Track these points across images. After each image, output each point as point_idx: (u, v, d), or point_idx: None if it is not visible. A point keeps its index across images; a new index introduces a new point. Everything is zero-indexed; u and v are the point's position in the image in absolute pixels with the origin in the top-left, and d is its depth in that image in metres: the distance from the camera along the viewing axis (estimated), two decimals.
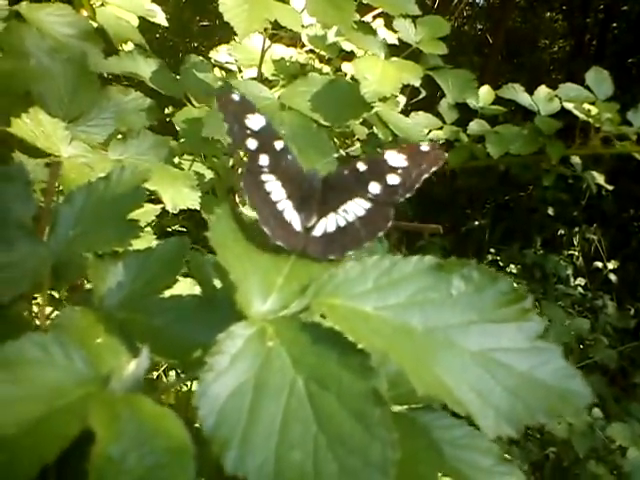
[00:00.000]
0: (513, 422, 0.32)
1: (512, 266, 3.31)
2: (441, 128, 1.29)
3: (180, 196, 0.79)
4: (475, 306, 0.35)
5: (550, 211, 3.57)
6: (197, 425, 0.30)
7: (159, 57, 1.08)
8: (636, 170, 3.18)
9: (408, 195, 0.46)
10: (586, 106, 1.21)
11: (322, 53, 1.19)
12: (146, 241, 0.64)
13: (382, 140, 1.03)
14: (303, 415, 0.30)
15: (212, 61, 1.17)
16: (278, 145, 0.49)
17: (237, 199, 1.08)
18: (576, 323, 2.60)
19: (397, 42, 1.13)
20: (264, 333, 0.34)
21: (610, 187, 1.45)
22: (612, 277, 3.25)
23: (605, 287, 3.19)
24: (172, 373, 0.89)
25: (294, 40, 1.20)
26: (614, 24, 4.90)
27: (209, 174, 1.09)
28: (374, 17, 1.20)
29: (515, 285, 0.36)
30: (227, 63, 1.18)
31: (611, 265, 3.27)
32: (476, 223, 3.76)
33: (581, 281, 3.24)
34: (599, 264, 3.30)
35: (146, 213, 0.74)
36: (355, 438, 0.29)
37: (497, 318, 0.35)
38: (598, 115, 1.19)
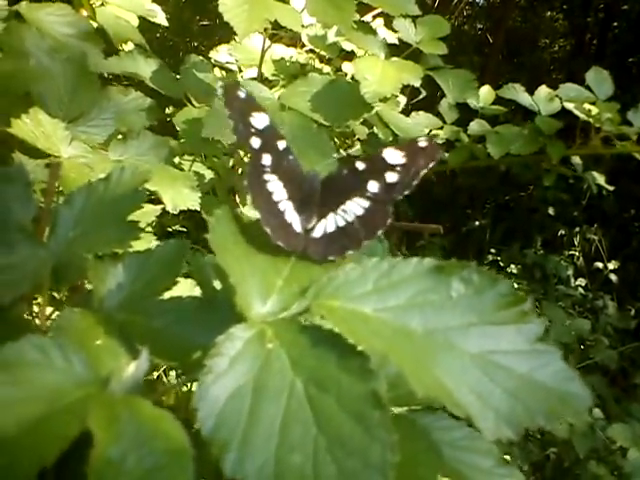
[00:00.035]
0: (513, 424, 0.32)
1: (512, 266, 3.31)
2: (441, 128, 1.29)
3: (180, 197, 0.79)
4: (475, 308, 0.35)
5: (551, 211, 3.57)
6: (197, 427, 0.30)
7: (159, 57, 1.08)
8: (637, 170, 3.17)
9: (406, 192, 0.46)
10: (586, 106, 1.21)
11: (322, 53, 1.19)
12: (146, 242, 0.64)
13: (383, 140, 1.03)
14: (303, 417, 0.30)
15: (212, 61, 1.17)
16: (281, 145, 0.48)
17: (237, 199, 1.08)
18: (577, 323, 2.60)
19: (397, 42, 1.13)
20: (263, 335, 0.34)
21: (611, 187, 1.45)
22: (613, 277, 3.25)
23: (606, 287, 3.18)
24: (172, 373, 0.89)
25: (294, 40, 1.20)
26: (615, 23, 4.90)
27: (209, 174, 1.09)
28: (374, 17, 1.20)
29: (515, 287, 0.36)
30: (227, 63, 1.17)
31: (612, 265, 3.27)
32: (476, 223, 3.76)
33: (582, 281, 3.24)
34: (600, 264, 3.30)
35: (146, 214, 0.74)
36: (355, 440, 0.29)
37: (497, 320, 0.35)
38: (598, 115, 1.19)
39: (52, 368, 0.31)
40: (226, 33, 0.85)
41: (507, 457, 0.54)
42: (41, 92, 0.74)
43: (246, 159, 1.06)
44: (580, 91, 1.22)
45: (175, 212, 0.79)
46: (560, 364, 0.34)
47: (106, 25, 1.00)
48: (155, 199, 0.79)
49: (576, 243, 3.48)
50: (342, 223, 0.45)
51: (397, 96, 1.03)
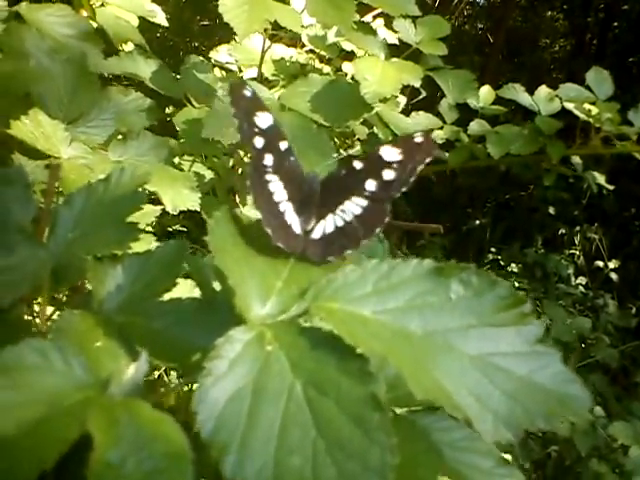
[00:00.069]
0: (512, 426, 0.32)
1: (513, 265, 3.31)
2: (441, 128, 1.29)
3: (180, 197, 0.79)
4: (474, 310, 0.35)
5: (551, 210, 3.57)
6: (196, 429, 0.30)
7: (159, 57, 1.08)
8: (637, 170, 3.17)
9: (404, 189, 0.46)
10: (586, 106, 1.21)
11: (322, 53, 1.19)
12: (146, 243, 0.64)
13: (383, 140, 1.03)
14: (302, 420, 0.30)
15: (212, 61, 1.17)
16: (283, 145, 0.48)
17: (237, 199, 1.08)
18: (577, 322, 2.60)
19: (397, 42, 1.13)
20: (263, 337, 0.34)
21: (611, 187, 1.45)
22: (613, 276, 3.25)
23: (606, 286, 3.18)
24: (174, 373, 0.89)
25: (294, 40, 1.20)
26: (615, 23, 4.89)
27: (209, 174, 1.09)
28: (374, 17, 1.20)
29: (514, 289, 0.36)
30: (227, 63, 1.18)
31: (612, 264, 3.26)
32: (477, 222, 3.76)
33: (582, 280, 3.24)
34: (600, 263, 3.30)
35: (146, 214, 0.74)
36: (354, 443, 0.29)
37: (496, 322, 0.35)
38: (598, 115, 1.19)
39: (52, 371, 0.31)
40: (226, 33, 0.85)
41: (508, 455, 0.54)
42: (41, 93, 0.74)
43: (246, 159, 1.06)
44: (580, 91, 1.22)
45: (175, 213, 0.79)
46: (559, 366, 0.34)
47: (106, 25, 1.00)
48: (155, 199, 0.80)
49: (577, 242, 3.48)
50: (341, 223, 0.45)
51: (397, 96, 1.03)
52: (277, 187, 0.46)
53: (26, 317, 0.51)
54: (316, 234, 0.45)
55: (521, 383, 0.33)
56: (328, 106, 0.87)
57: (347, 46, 1.15)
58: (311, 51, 1.21)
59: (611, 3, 4.84)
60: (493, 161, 1.25)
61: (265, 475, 0.29)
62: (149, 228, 0.86)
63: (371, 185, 0.46)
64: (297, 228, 0.45)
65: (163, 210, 0.81)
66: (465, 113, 1.28)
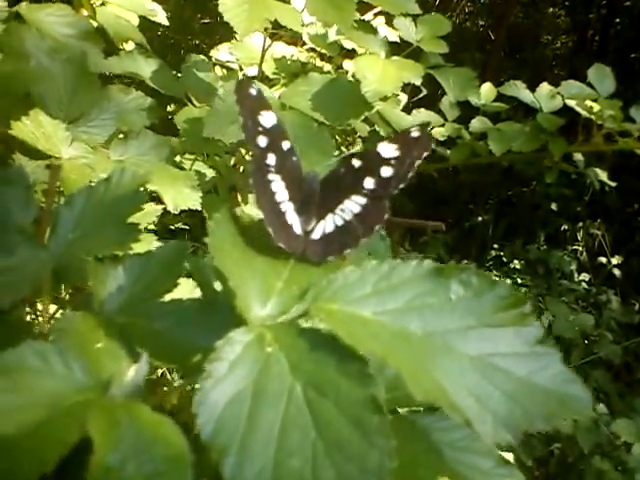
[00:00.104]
0: (511, 427, 0.31)
1: (515, 262, 3.31)
2: (443, 125, 1.29)
3: (181, 196, 0.79)
4: (474, 311, 0.35)
5: (553, 206, 3.56)
6: (196, 431, 0.30)
7: (160, 55, 1.08)
8: (639, 166, 3.16)
9: (402, 186, 0.46)
10: (588, 103, 1.21)
11: (323, 51, 1.19)
12: (147, 242, 0.64)
13: (384, 138, 1.03)
14: (301, 422, 0.30)
15: (213, 60, 1.17)
16: (285, 145, 0.48)
17: (239, 197, 1.09)
18: (580, 318, 2.60)
19: (398, 40, 1.12)
20: (263, 339, 0.34)
21: (613, 184, 1.44)
22: (616, 272, 3.24)
23: (609, 282, 3.18)
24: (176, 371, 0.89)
25: (295, 38, 1.20)
26: (617, 19, 4.87)
27: (210, 173, 1.09)
28: (375, 15, 1.20)
29: (514, 290, 0.36)
30: (228, 62, 1.18)
31: (615, 260, 3.26)
32: (479, 219, 3.75)
33: (585, 276, 3.23)
34: (603, 259, 3.29)
35: (147, 214, 0.74)
36: (353, 445, 0.29)
37: (496, 323, 0.35)
38: (600, 112, 1.19)
39: (52, 374, 0.31)
40: (227, 31, 0.85)
41: (510, 453, 0.54)
42: (41, 93, 0.74)
43: (248, 157, 1.06)
44: (582, 88, 1.22)
45: (176, 212, 0.79)
46: (560, 366, 0.34)
47: (106, 25, 1.00)
48: (157, 198, 0.80)
49: (579, 238, 3.48)
50: (340, 222, 0.45)
51: (398, 94, 1.03)
52: (279, 187, 0.46)
53: (28, 317, 0.51)
54: (316, 234, 0.45)
55: (521, 384, 0.33)
56: (329, 105, 0.87)
57: (348, 44, 1.15)
58: (312, 49, 1.21)
59: None
60: (494, 158, 1.25)
61: (265, 477, 0.29)
62: (151, 227, 0.86)
63: (370, 183, 0.46)
64: (298, 228, 0.45)
65: (165, 209, 0.81)
66: (467, 110, 1.28)
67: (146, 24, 1.13)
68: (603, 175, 1.40)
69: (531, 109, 1.28)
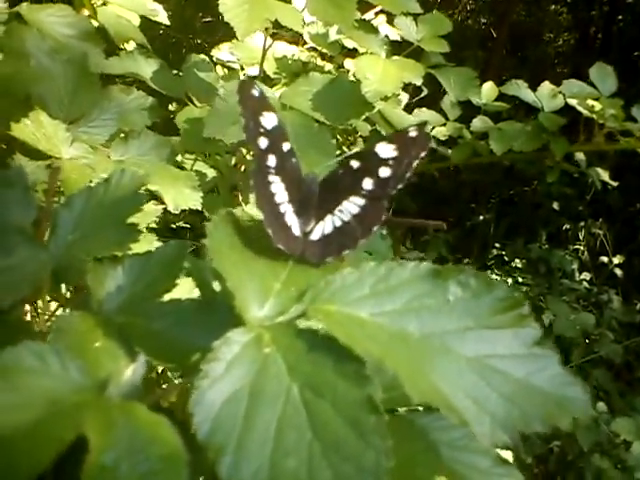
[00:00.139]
0: (509, 429, 0.32)
1: (517, 261, 3.30)
2: (444, 125, 1.29)
3: (182, 196, 0.79)
4: (472, 312, 0.35)
5: (555, 205, 3.55)
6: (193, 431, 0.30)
7: (162, 54, 1.08)
8: None
9: (400, 186, 0.46)
10: (590, 102, 1.21)
11: (324, 51, 1.19)
12: (147, 242, 0.64)
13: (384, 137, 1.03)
14: (298, 422, 0.30)
15: (214, 59, 1.17)
16: (285, 147, 0.48)
17: (240, 197, 1.09)
18: (581, 318, 2.60)
19: (400, 38, 1.12)
20: (261, 340, 0.34)
21: (615, 183, 1.44)
22: (618, 272, 3.23)
23: (610, 282, 3.17)
24: None
25: (296, 38, 1.20)
26: (619, 17, 4.86)
27: (211, 173, 1.09)
28: (376, 13, 1.20)
29: (512, 291, 0.36)
30: (229, 61, 1.18)
31: (617, 260, 3.25)
32: (481, 218, 3.75)
33: (586, 276, 3.23)
34: (604, 259, 3.29)
35: (148, 214, 0.74)
36: (349, 445, 0.29)
37: (494, 324, 0.35)
38: (602, 111, 1.19)
39: (49, 374, 0.32)
40: (229, 30, 0.85)
41: (509, 452, 0.54)
42: (42, 93, 0.74)
43: (249, 157, 1.06)
44: (583, 87, 1.22)
45: (176, 212, 0.79)
46: (558, 368, 0.34)
47: (107, 25, 1.00)
48: (158, 198, 0.80)
49: (581, 237, 3.47)
50: (339, 224, 0.46)
51: (399, 94, 1.03)
52: (279, 188, 0.46)
53: (29, 316, 0.51)
54: (315, 235, 0.45)
55: (518, 385, 0.33)
56: (329, 105, 0.87)
57: (349, 43, 1.15)
58: (313, 49, 1.21)
59: None
60: (496, 158, 1.25)
61: (261, 477, 0.29)
62: (153, 225, 0.86)
63: (368, 184, 0.46)
64: (297, 230, 0.45)
65: (166, 208, 0.81)
66: (468, 110, 1.28)
67: (147, 23, 1.13)
68: (605, 174, 1.40)
69: (532, 108, 1.28)
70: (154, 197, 0.78)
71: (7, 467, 0.28)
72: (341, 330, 0.34)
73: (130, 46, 1.09)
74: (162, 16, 1.12)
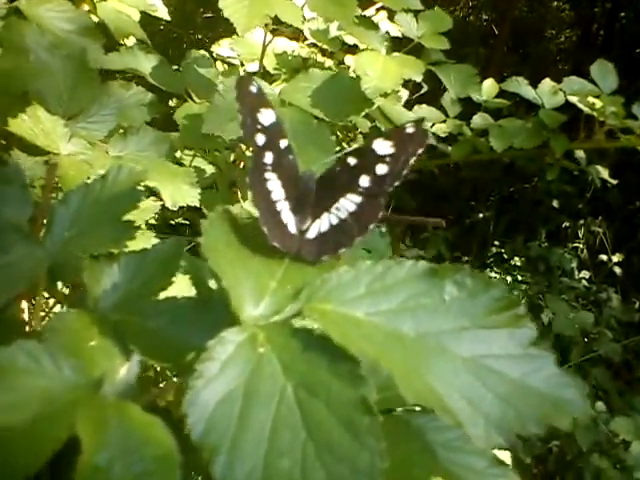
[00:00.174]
0: (504, 430, 0.31)
1: (516, 259, 3.30)
2: (444, 121, 1.28)
3: (180, 193, 0.79)
4: (468, 312, 0.35)
5: (555, 203, 3.55)
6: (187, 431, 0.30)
7: (162, 49, 1.08)
8: None
9: (397, 183, 0.46)
10: (590, 99, 1.20)
11: (325, 47, 1.18)
12: (145, 239, 0.64)
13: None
14: (292, 422, 0.30)
15: (214, 55, 1.17)
16: (283, 144, 0.48)
17: (239, 194, 1.08)
18: (580, 316, 2.60)
19: (400, 35, 1.12)
20: (255, 339, 0.34)
21: (614, 181, 1.44)
22: (617, 270, 3.23)
23: (610, 280, 3.17)
24: None
25: (296, 33, 1.19)
26: (622, 14, 4.85)
27: (210, 169, 1.09)
28: (377, 10, 1.20)
29: (508, 291, 0.36)
30: (229, 57, 1.17)
31: (616, 258, 3.25)
32: (480, 215, 3.74)
33: (585, 274, 3.22)
34: (604, 257, 3.28)
35: (146, 210, 0.74)
36: (343, 446, 0.29)
37: (490, 324, 0.35)
38: (602, 108, 1.18)
39: (42, 374, 0.31)
40: (230, 25, 0.85)
41: (507, 452, 0.54)
42: (40, 89, 0.73)
43: (248, 153, 1.06)
44: (584, 84, 1.21)
45: (174, 208, 0.79)
46: (553, 369, 0.34)
47: (107, 20, 0.99)
48: (156, 194, 0.79)
49: (580, 236, 3.47)
50: (335, 221, 0.45)
51: (399, 91, 1.03)
52: (275, 186, 0.46)
53: (26, 313, 0.51)
54: (311, 233, 0.45)
55: (514, 386, 0.33)
56: (329, 101, 0.87)
57: (349, 40, 1.15)
58: (313, 45, 1.20)
59: None
60: (496, 155, 1.25)
61: (255, 477, 0.29)
62: (152, 221, 0.86)
63: (365, 181, 0.46)
64: (293, 228, 0.45)
65: (164, 204, 0.81)
66: (468, 106, 1.28)
67: (148, 18, 1.13)
68: (605, 172, 1.39)
69: (533, 105, 1.28)
70: (153, 193, 0.78)
71: (3, 466, 0.28)
72: (336, 329, 0.34)
73: (130, 42, 1.09)
74: (162, 11, 1.12)
